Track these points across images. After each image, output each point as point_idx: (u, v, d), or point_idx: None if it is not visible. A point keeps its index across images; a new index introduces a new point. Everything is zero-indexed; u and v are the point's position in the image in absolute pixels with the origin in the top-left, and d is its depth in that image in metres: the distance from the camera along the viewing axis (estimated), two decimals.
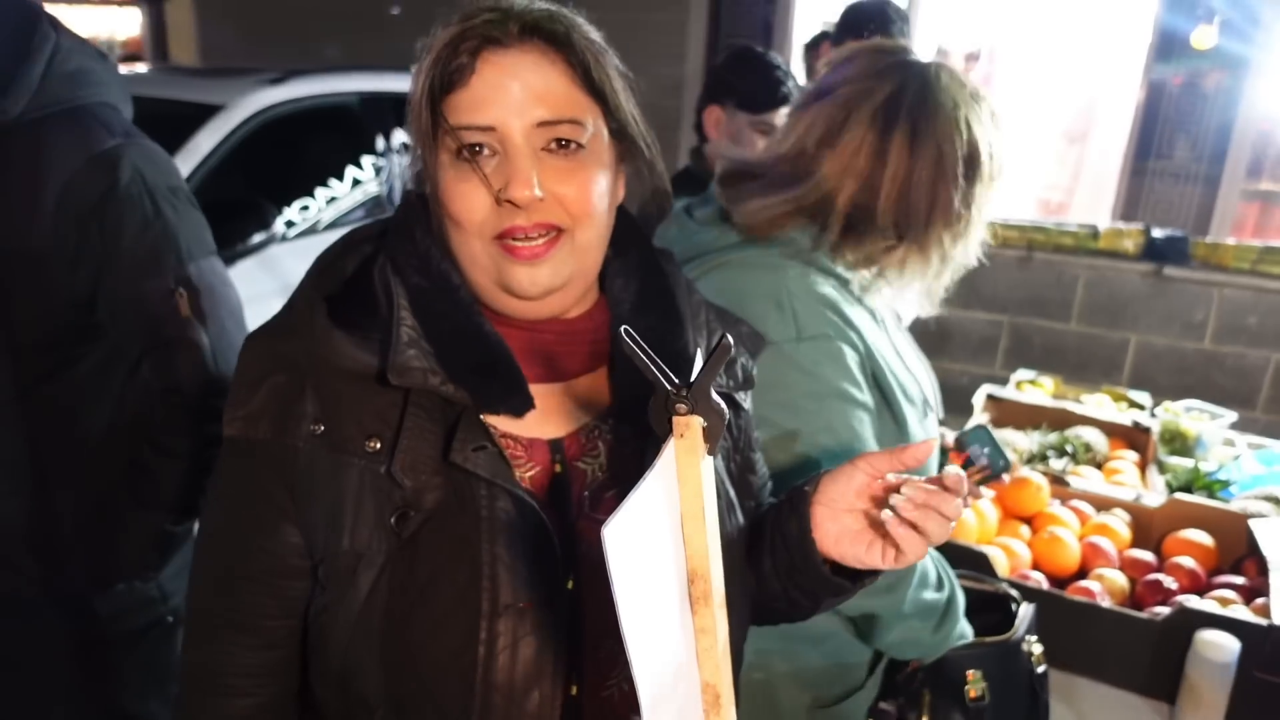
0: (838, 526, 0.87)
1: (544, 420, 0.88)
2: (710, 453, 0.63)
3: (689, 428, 0.62)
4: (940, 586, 1.29)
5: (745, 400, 1.02)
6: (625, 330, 0.65)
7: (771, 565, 0.95)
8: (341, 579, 0.81)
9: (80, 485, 1.47)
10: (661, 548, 0.62)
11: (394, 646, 0.81)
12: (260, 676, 0.88)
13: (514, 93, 0.79)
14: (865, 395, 1.23)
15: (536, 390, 0.86)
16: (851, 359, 1.22)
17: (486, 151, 0.80)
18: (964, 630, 1.32)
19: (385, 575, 0.80)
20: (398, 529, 0.80)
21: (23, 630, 1.53)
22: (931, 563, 1.29)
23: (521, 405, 0.84)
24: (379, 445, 0.80)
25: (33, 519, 1.45)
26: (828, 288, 1.26)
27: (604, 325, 0.92)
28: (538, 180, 0.79)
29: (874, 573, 0.90)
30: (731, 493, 0.96)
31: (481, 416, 0.83)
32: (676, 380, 0.63)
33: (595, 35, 0.84)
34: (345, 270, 0.88)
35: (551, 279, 0.83)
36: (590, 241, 0.85)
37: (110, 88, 1.43)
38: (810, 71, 3.47)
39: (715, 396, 0.63)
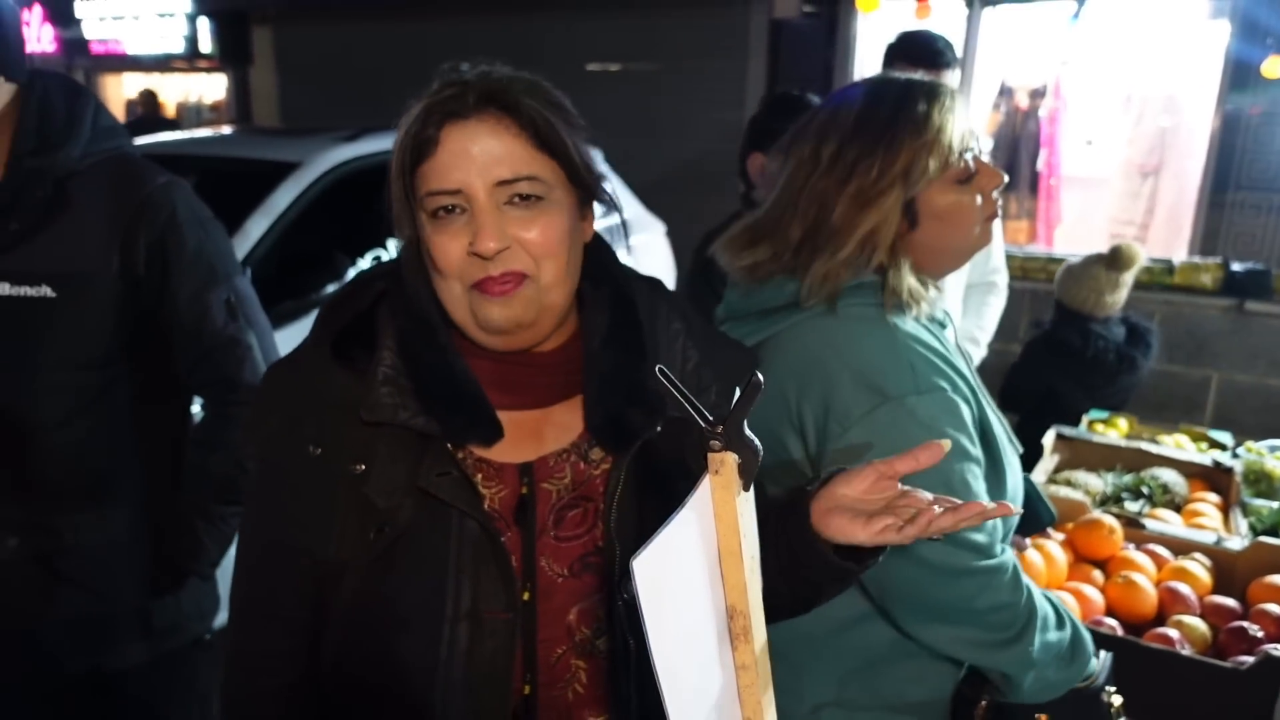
0: (836, 512, 0.89)
1: (517, 446, 0.97)
2: (745, 488, 0.64)
3: (724, 464, 0.64)
4: (1061, 624, 1.28)
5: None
6: (660, 369, 0.69)
7: (775, 563, 0.96)
8: (330, 583, 0.94)
9: (147, 493, 1.63)
10: (697, 582, 0.63)
11: (370, 643, 0.94)
12: (286, 658, 1.00)
13: (475, 157, 0.89)
14: (977, 449, 1.24)
15: (510, 418, 0.96)
16: (965, 413, 1.23)
17: (458, 210, 0.91)
18: (1094, 668, 1.30)
19: (365, 581, 0.93)
20: (375, 541, 0.92)
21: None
22: (1048, 604, 1.27)
23: (488, 436, 0.94)
24: (362, 468, 0.92)
25: (105, 533, 1.59)
26: (925, 333, 1.27)
27: (576, 357, 1.00)
28: (502, 231, 0.90)
29: (875, 555, 0.92)
30: None
31: (453, 444, 0.94)
32: (711, 418, 0.64)
33: (553, 96, 0.94)
34: (359, 306, 0.99)
35: (521, 314, 0.92)
36: (554, 279, 0.93)
37: (129, 138, 1.67)
38: None
39: (749, 433, 0.64)
